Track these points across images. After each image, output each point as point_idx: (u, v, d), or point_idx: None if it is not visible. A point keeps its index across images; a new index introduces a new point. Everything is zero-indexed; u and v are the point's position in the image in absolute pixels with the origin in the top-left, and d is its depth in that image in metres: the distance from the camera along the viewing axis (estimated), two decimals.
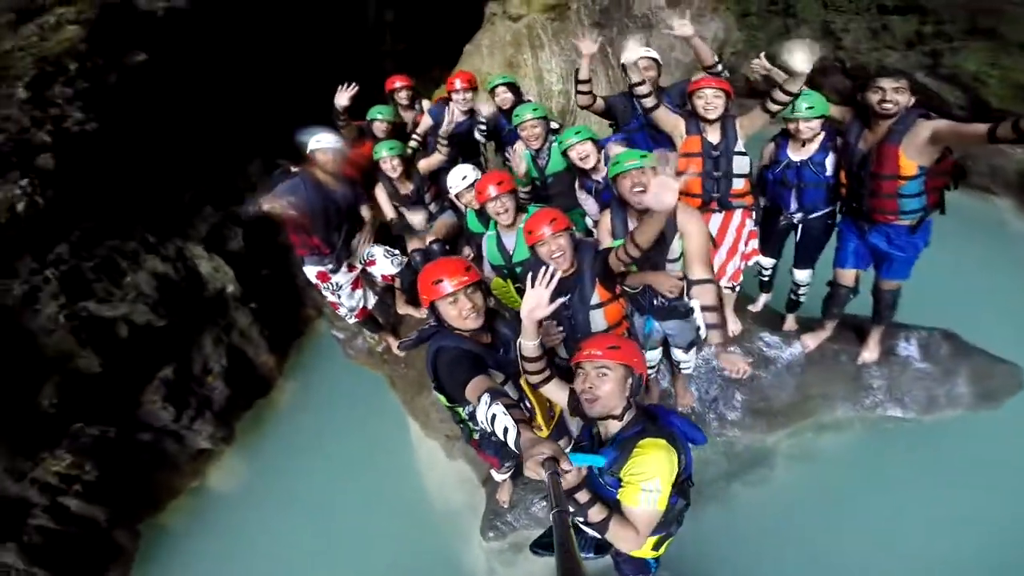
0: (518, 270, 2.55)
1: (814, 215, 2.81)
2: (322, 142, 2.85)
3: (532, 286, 1.54)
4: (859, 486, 2.87)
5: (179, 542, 3.41)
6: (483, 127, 3.44)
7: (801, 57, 2.08)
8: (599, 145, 2.73)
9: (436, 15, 7.83)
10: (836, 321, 3.07)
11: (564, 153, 2.75)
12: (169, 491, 3.63)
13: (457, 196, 2.99)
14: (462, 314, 1.65)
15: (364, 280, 3.49)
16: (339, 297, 3.36)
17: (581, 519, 1.46)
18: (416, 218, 3.40)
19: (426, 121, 3.62)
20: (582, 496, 1.42)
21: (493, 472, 2.41)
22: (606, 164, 2.65)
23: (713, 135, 2.56)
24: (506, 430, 1.20)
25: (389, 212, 3.40)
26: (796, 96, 2.28)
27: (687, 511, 1.69)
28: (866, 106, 2.35)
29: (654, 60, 3.01)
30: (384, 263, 3.37)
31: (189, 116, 4.59)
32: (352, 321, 3.56)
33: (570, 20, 5.84)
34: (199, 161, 4.67)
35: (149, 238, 4.12)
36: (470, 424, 1.96)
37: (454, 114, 3.16)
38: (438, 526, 3.06)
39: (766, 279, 3.30)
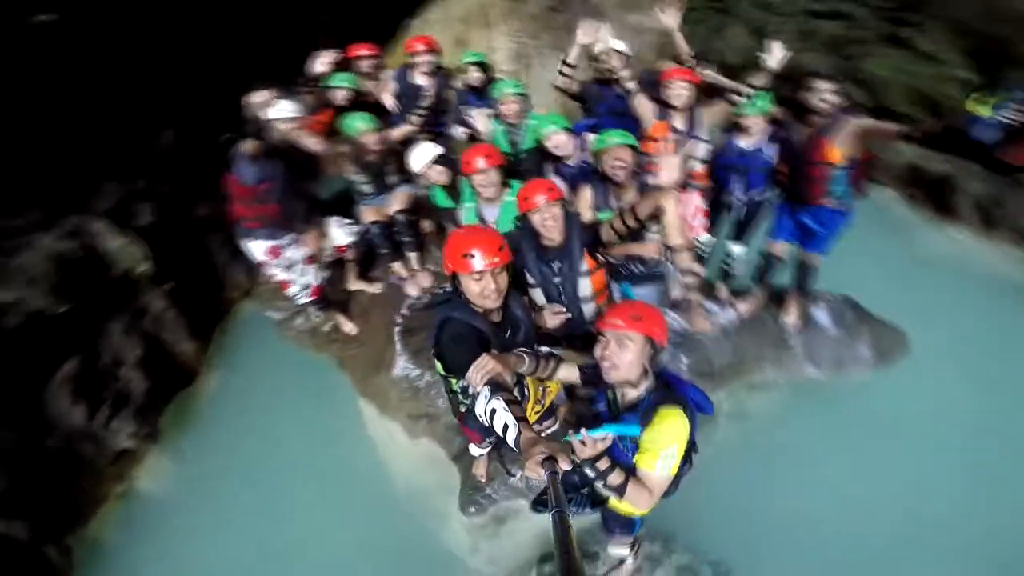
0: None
1: (756, 198, 3.14)
2: (282, 110, 2.70)
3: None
4: (788, 441, 3.21)
5: (117, 555, 3.01)
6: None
7: (776, 56, 2.34)
8: (573, 132, 2.84)
9: None
10: (766, 289, 3.46)
11: (540, 141, 2.83)
12: (93, 499, 3.19)
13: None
14: (483, 292, 1.63)
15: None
16: (292, 274, 3.14)
17: (600, 483, 1.54)
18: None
19: (391, 88, 3.54)
20: (603, 464, 1.51)
21: (472, 447, 2.41)
22: (582, 150, 2.80)
23: (679, 122, 2.78)
24: (506, 427, 1.20)
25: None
26: (760, 90, 2.51)
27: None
28: (803, 103, 2.64)
29: (620, 52, 3.12)
30: (338, 233, 3.21)
31: (91, 81, 3.97)
32: (304, 301, 3.35)
33: (525, 4, 5.80)
34: (102, 130, 4.07)
35: (40, 213, 3.55)
36: (460, 396, 1.97)
37: (435, 85, 3.20)
38: (410, 509, 2.96)
39: (705, 255, 3.59)
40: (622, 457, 1.60)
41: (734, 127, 3.00)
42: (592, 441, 1.44)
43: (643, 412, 1.54)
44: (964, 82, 4.85)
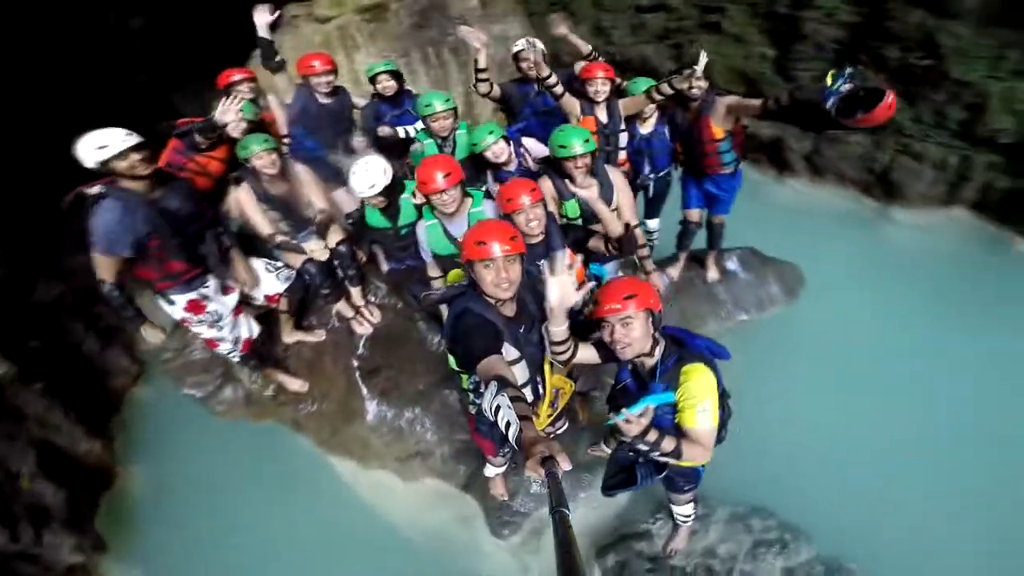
0: None
1: (661, 175, 3.49)
2: (112, 145, 2.14)
3: (553, 274, 1.52)
4: (746, 382, 3.53)
5: None
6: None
7: (702, 63, 2.70)
8: (508, 139, 2.85)
9: (198, 22, 6.68)
10: (687, 253, 3.84)
11: (479, 153, 2.78)
12: None
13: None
14: (497, 282, 1.62)
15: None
16: (220, 329, 2.73)
17: (655, 453, 1.59)
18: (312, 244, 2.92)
19: (281, 115, 3.26)
20: (652, 435, 1.57)
21: (488, 467, 2.29)
22: (518, 155, 2.85)
23: (602, 115, 2.96)
24: (508, 424, 1.18)
25: (264, 224, 2.81)
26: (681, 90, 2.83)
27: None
28: (680, 92, 2.98)
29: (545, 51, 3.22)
30: (268, 279, 2.83)
31: None
32: (236, 359, 2.92)
33: (388, 21, 5.68)
34: None
35: None
36: (471, 396, 1.95)
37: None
38: (433, 551, 2.71)
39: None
40: (665, 422, 1.66)
41: (635, 116, 3.25)
42: (635, 417, 1.47)
43: (667, 375, 1.63)
44: (765, 57, 5.80)
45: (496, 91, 3.17)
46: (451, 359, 1.80)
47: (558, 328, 1.63)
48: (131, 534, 3.16)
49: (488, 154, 2.74)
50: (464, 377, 1.88)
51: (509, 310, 1.72)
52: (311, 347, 3.27)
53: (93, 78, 5.36)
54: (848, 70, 2.21)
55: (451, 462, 2.82)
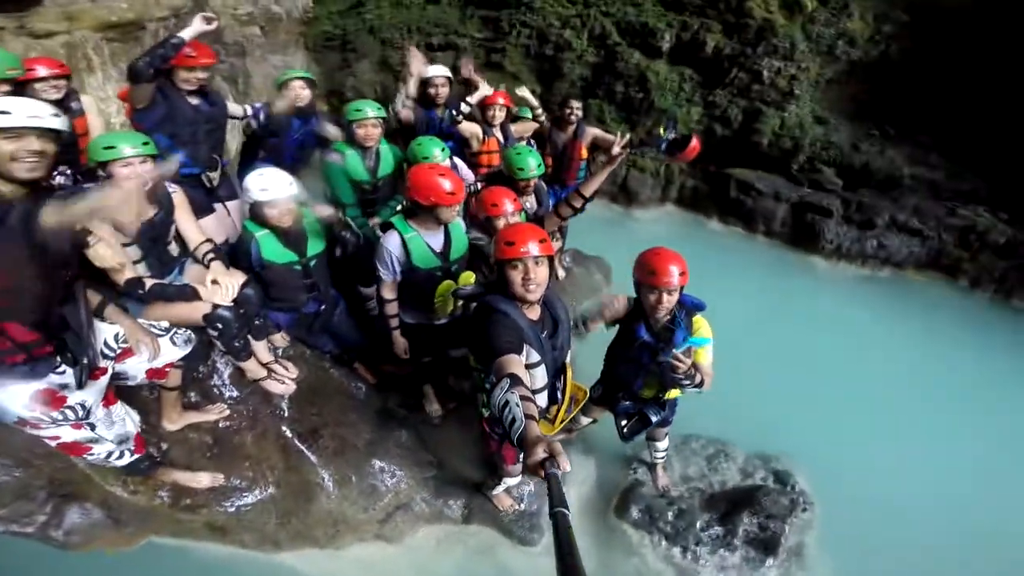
0: (455, 268, 2.45)
1: None
2: (12, 112, 1.46)
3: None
4: None
5: None
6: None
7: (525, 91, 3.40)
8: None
9: None
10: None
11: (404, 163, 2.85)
12: None
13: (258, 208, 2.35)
14: (525, 282, 1.69)
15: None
16: (91, 429, 1.96)
17: (689, 383, 2.08)
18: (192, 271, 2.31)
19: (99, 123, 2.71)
20: (692, 369, 2.03)
21: (504, 478, 2.36)
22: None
23: (499, 136, 3.45)
24: (513, 421, 1.21)
25: (128, 265, 2.04)
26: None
27: None
28: (561, 117, 3.76)
29: (448, 78, 3.40)
30: (166, 346, 2.11)
31: None
32: (122, 463, 2.16)
33: (142, 42, 4.64)
34: None
35: None
36: (485, 397, 1.95)
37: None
38: None
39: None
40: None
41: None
42: (684, 355, 1.96)
43: (684, 326, 2.15)
44: (535, 92, 7.18)
45: (410, 117, 3.27)
46: (471, 357, 1.85)
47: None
48: None
49: None
50: (482, 377, 1.89)
51: (534, 313, 1.80)
52: (205, 429, 2.60)
53: None
54: (672, 123, 3.30)
55: (437, 501, 2.69)
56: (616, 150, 2.20)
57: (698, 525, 2.76)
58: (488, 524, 2.62)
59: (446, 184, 2.22)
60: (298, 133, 3.08)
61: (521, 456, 1.24)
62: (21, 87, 2.48)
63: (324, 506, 2.54)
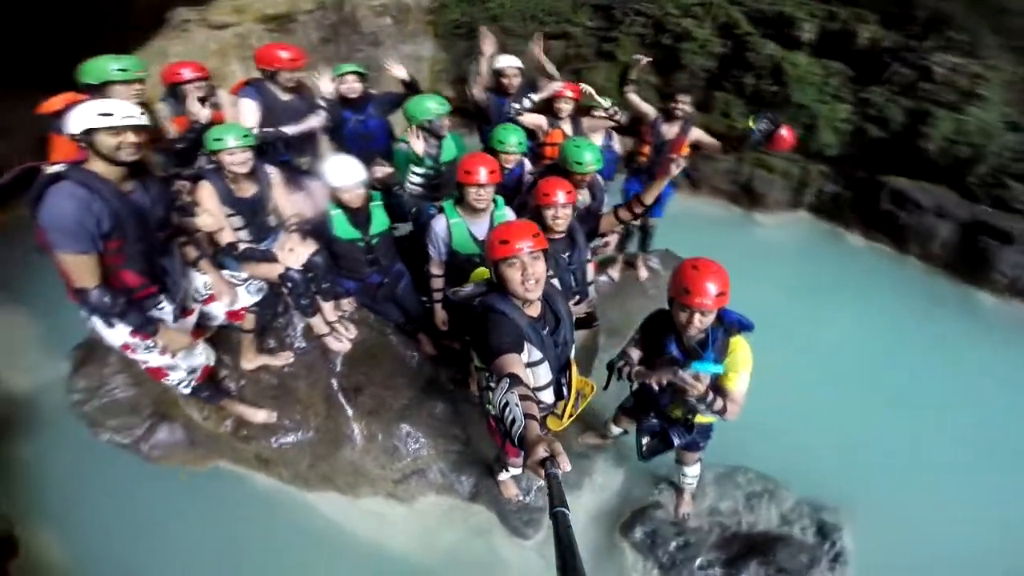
0: None
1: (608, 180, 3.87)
2: (116, 116, 1.83)
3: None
4: None
5: None
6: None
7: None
8: None
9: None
10: (622, 255, 4.35)
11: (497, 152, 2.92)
12: None
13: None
14: (522, 279, 1.65)
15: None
16: (172, 356, 2.38)
17: (708, 409, 1.89)
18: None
19: (234, 114, 3.04)
20: (709, 396, 1.85)
21: (509, 466, 2.36)
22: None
23: (568, 128, 3.31)
24: (513, 421, 1.20)
25: (227, 230, 2.56)
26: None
27: None
28: (668, 110, 3.56)
29: (519, 68, 3.47)
30: (241, 293, 2.57)
31: None
32: (188, 391, 2.58)
33: (294, 33, 5.40)
34: None
35: None
36: (488, 395, 1.96)
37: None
38: (455, 574, 2.57)
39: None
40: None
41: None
42: (703, 377, 1.74)
43: (717, 346, 1.90)
44: (650, 83, 6.74)
45: (483, 97, 3.41)
46: (475, 357, 1.85)
47: None
48: None
49: (510, 159, 2.93)
50: (486, 376, 1.89)
51: (534, 310, 1.78)
52: (274, 372, 3.00)
53: None
54: (766, 116, 3.01)
55: (452, 475, 2.78)
56: (673, 169, 2.16)
57: (697, 562, 2.52)
58: (490, 507, 2.64)
59: (472, 166, 2.40)
60: (352, 123, 3.35)
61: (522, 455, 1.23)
62: (174, 89, 2.99)
63: (348, 456, 2.78)
